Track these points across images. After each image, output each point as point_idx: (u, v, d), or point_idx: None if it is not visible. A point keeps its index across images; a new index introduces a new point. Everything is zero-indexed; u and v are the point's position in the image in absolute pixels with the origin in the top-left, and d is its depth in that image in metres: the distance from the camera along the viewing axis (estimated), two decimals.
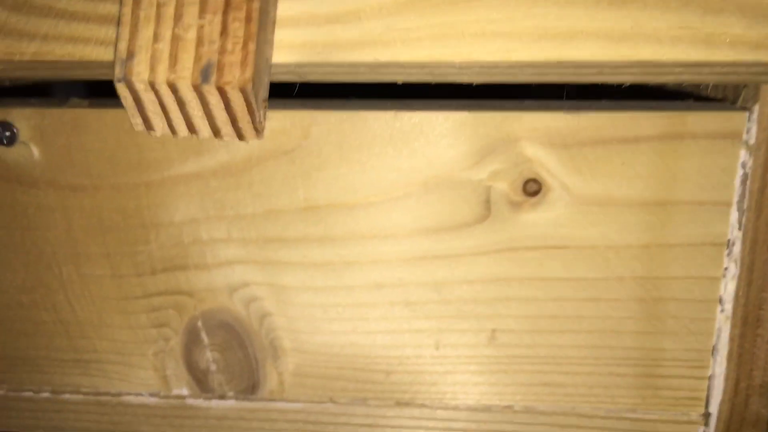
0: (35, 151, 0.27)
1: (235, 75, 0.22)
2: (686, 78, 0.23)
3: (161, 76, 0.22)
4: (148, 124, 0.24)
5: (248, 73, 0.22)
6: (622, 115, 0.25)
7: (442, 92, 0.27)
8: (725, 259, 0.26)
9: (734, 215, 0.25)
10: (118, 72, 0.22)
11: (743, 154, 0.25)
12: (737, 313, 0.26)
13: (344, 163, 0.26)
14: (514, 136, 0.25)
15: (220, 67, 0.22)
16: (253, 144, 0.26)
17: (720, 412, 0.28)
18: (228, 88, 0.22)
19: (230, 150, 0.26)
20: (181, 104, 0.23)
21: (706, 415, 0.28)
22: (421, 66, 0.23)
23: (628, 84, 0.24)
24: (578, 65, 0.23)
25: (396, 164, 0.26)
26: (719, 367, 0.27)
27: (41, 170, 0.27)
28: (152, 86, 0.22)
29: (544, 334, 0.27)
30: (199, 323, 0.28)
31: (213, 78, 0.22)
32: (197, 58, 0.22)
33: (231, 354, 0.28)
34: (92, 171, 0.27)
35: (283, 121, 0.25)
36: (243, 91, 0.22)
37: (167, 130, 0.24)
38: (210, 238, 0.27)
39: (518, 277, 0.27)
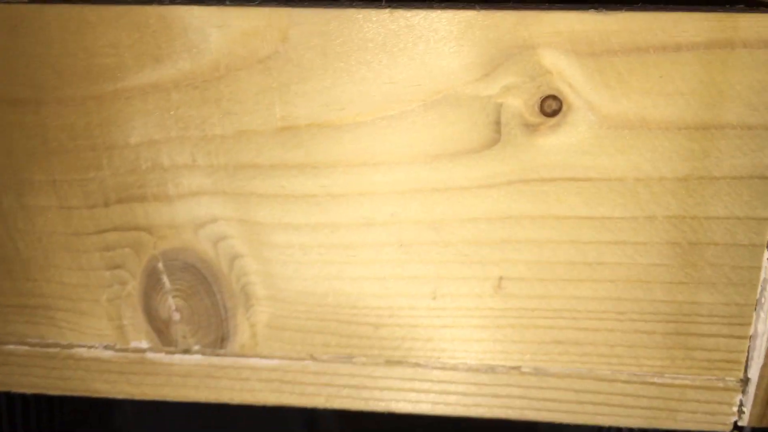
0: None
1: None
2: None
3: None
4: None
5: None
6: (663, 16, 0.21)
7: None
8: None
9: None
10: None
11: None
12: None
13: (329, 74, 0.22)
14: (532, 42, 0.21)
15: None
16: (220, 49, 0.22)
17: (761, 377, 0.24)
18: None
19: (194, 56, 0.22)
20: None
21: (745, 381, 0.24)
22: None
23: None
24: None
25: (390, 75, 0.22)
26: (762, 325, 0.23)
27: None
28: None
29: (559, 283, 0.23)
30: (160, 265, 0.24)
31: None
32: None
33: (196, 301, 0.25)
34: (34, 81, 0.23)
35: (255, 21, 0.22)
36: None
37: None
38: (172, 163, 0.23)
39: (531, 215, 0.23)
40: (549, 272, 0.23)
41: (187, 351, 0.25)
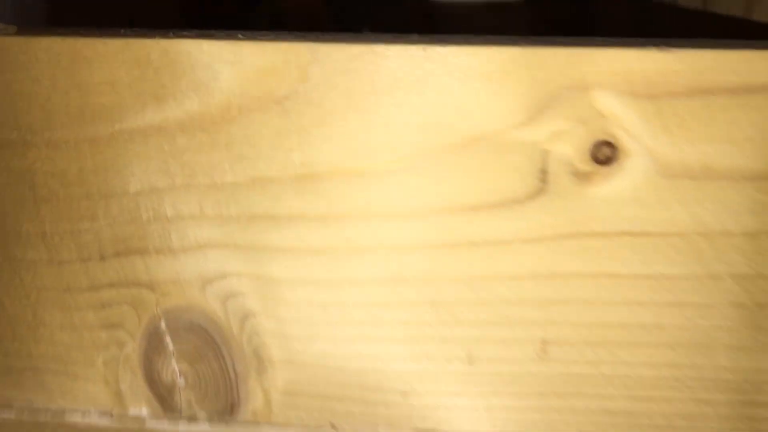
0: None
1: None
2: None
3: None
4: None
5: None
6: (732, 55, 0.18)
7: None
8: None
9: None
10: None
11: None
12: None
13: (354, 116, 0.19)
14: (584, 82, 0.19)
15: None
16: (232, 88, 0.19)
17: None
18: None
19: (202, 95, 0.19)
20: None
21: None
22: None
23: None
24: None
25: (423, 119, 0.19)
26: None
27: None
28: None
29: (610, 347, 0.21)
30: (163, 324, 0.22)
31: None
32: None
33: (203, 365, 0.22)
34: (21, 121, 0.20)
35: (272, 57, 0.19)
36: None
37: None
38: (176, 213, 0.21)
39: (579, 272, 0.20)
40: (599, 335, 0.21)
41: (192, 419, 0.23)
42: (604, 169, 0.19)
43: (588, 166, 0.19)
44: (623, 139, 0.19)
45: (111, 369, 0.22)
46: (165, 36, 0.19)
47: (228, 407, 0.22)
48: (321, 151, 0.20)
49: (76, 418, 0.23)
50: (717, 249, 0.20)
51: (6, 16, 0.28)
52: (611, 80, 0.19)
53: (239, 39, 0.19)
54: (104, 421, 0.23)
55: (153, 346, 0.22)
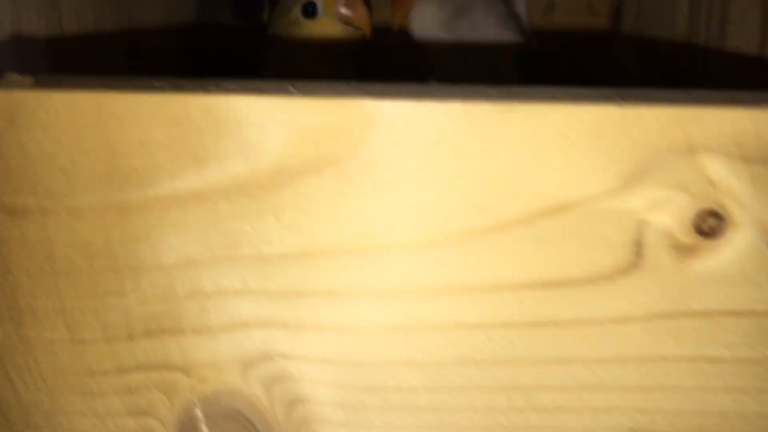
0: None
1: None
2: None
3: None
4: None
5: None
6: None
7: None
8: None
9: None
10: None
11: None
12: None
13: (423, 181, 0.17)
14: (689, 144, 0.16)
15: None
16: (284, 150, 0.17)
17: None
18: None
19: (249, 158, 0.17)
20: None
21: None
22: None
23: None
24: None
25: (501, 184, 0.17)
26: None
27: None
28: None
29: None
30: (198, 412, 0.19)
31: None
32: None
33: None
34: (39, 186, 0.18)
35: (329, 115, 0.17)
36: None
37: None
38: (216, 288, 0.18)
39: (676, 356, 0.18)
40: (694, 425, 0.18)
41: None
42: (708, 242, 0.17)
43: (690, 238, 0.17)
44: (731, 209, 0.17)
45: None
46: (206, 91, 0.17)
47: None
48: (383, 220, 0.17)
49: None
50: None
51: (7, 61, 0.26)
52: (720, 143, 0.16)
53: (292, 94, 0.17)
54: None
55: None
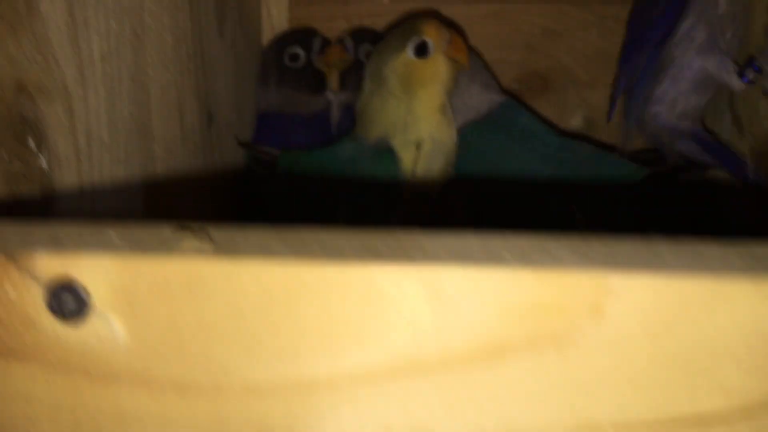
0: (117, 327, 0.16)
1: None
2: None
3: None
4: None
5: None
6: None
7: None
8: None
9: None
10: None
11: None
12: None
13: (662, 363, 0.15)
14: None
15: None
16: (492, 323, 0.15)
17: None
18: None
19: (446, 334, 0.15)
20: None
21: None
22: None
23: None
24: None
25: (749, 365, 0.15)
26: None
27: (126, 358, 0.16)
28: None
29: None
30: None
31: None
32: None
33: None
34: (213, 360, 0.16)
35: (556, 289, 0.15)
36: None
37: None
38: None
39: None
40: None
41: None
42: None
43: None
44: None
45: None
46: (409, 259, 0.15)
47: None
48: (608, 404, 0.15)
49: None
50: None
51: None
52: None
53: (505, 262, 0.15)
54: None
55: None
